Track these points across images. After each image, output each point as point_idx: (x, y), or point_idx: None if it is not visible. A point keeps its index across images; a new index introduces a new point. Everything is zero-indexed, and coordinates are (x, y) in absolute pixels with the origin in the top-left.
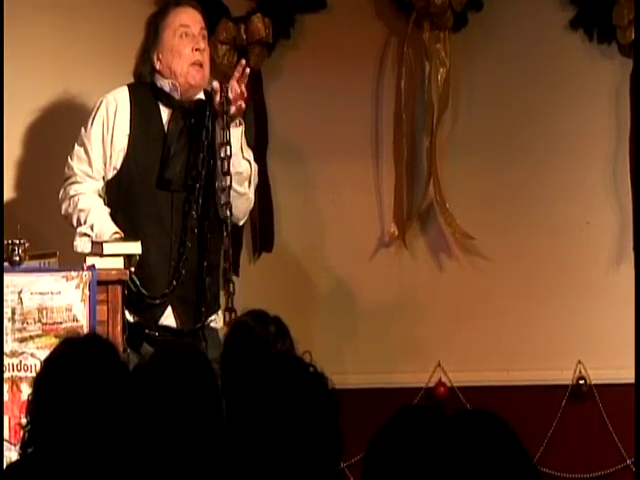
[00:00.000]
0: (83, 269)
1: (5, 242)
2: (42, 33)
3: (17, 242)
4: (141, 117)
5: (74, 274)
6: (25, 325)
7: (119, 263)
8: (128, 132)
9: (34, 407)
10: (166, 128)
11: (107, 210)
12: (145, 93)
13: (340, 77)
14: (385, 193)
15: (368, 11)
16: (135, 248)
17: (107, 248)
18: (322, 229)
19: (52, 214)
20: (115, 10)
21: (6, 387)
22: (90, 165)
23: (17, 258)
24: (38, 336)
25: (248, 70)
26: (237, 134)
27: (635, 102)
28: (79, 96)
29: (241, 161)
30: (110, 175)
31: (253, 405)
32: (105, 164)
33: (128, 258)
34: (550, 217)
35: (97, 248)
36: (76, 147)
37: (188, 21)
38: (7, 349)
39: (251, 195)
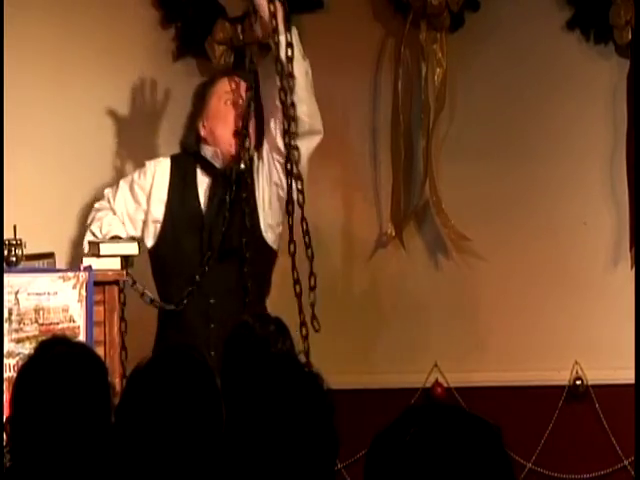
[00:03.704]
0: (80, 270)
1: None
2: (38, 35)
3: (14, 242)
4: (178, 189)
5: (71, 275)
6: (22, 326)
7: (116, 264)
8: (165, 203)
9: (12, 415)
10: (202, 199)
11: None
12: (186, 163)
13: (337, 77)
14: (382, 193)
15: (365, 11)
16: (132, 249)
17: (104, 248)
18: (319, 229)
19: (49, 214)
20: (113, 12)
21: None
22: (113, 209)
23: (14, 259)
24: (35, 337)
25: None
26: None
27: (635, 102)
28: (75, 97)
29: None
30: (149, 244)
31: (251, 405)
32: (123, 223)
33: (125, 259)
34: (547, 217)
35: (94, 248)
36: (118, 188)
37: (234, 89)
38: (3, 349)
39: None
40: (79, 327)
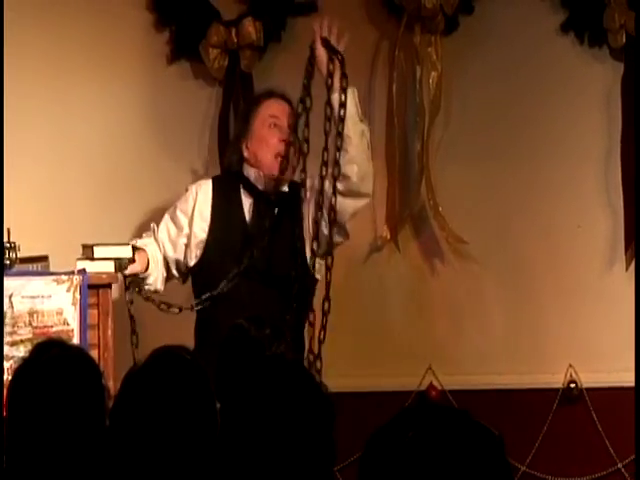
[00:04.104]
0: (74, 273)
1: None
2: (32, 40)
3: (8, 245)
4: (222, 208)
5: (65, 278)
6: (16, 329)
7: (110, 267)
8: (209, 222)
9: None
10: (247, 218)
11: (158, 254)
12: (229, 183)
13: None
14: (377, 197)
15: (359, 15)
16: (125, 252)
17: (97, 252)
18: None
19: (43, 217)
20: (107, 15)
21: None
22: (156, 240)
23: (8, 262)
24: (29, 340)
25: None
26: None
27: (635, 103)
28: (69, 100)
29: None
30: (192, 262)
31: (245, 408)
32: (162, 247)
33: (118, 262)
34: (543, 221)
35: (88, 252)
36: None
37: (278, 112)
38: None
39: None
40: (73, 330)
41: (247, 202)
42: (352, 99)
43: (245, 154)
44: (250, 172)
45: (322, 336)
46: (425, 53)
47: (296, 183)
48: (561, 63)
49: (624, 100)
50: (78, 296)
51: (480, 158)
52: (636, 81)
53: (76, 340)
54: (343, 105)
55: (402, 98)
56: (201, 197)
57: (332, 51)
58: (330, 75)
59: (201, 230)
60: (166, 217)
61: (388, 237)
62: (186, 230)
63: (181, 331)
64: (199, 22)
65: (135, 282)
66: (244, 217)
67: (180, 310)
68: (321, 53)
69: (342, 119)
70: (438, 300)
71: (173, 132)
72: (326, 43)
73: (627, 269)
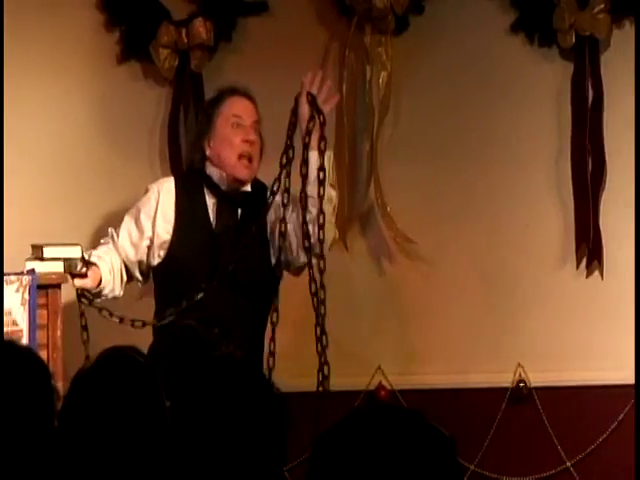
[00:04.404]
0: (23, 273)
1: None
2: None
3: None
4: (186, 208)
5: (14, 278)
6: None
7: (59, 267)
8: (173, 222)
9: None
10: (212, 218)
11: (115, 262)
12: (192, 182)
13: (282, 80)
14: None
15: (310, 15)
16: (75, 252)
17: (47, 252)
18: None
19: None
20: (56, 15)
21: None
22: (116, 246)
23: None
24: None
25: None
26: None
27: (635, 103)
28: (15, 99)
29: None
30: (155, 262)
31: (194, 408)
32: (126, 253)
33: (68, 262)
34: (492, 220)
35: (37, 252)
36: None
37: (241, 112)
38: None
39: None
40: (22, 330)
41: (210, 202)
42: (326, 163)
43: (207, 152)
44: (213, 171)
45: (325, 342)
46: (375, 53)
47: (260, 183)
48: (511, 63)
49: (574, 99)
50: (27, 296)
51: (429, 158)
52: (636, 80)
53: (25, 340)
54: (322, 169)
55: (352, 98)
56: (164, 197)
57: (316, 110)
58: (308, 133)
59: (165, 231)
60: (127, 220)
61: (337, 237)
62: (149, 233)
63: (135, 332)
64: (149, 22)
65: (85, 296)
66: (208, 217)
67: (143, 325)
68: (304, 109)
69: (321, 182)
70: (386, 299)
71: (123, 132)
72: (312, 99)
73: (578, 268)
